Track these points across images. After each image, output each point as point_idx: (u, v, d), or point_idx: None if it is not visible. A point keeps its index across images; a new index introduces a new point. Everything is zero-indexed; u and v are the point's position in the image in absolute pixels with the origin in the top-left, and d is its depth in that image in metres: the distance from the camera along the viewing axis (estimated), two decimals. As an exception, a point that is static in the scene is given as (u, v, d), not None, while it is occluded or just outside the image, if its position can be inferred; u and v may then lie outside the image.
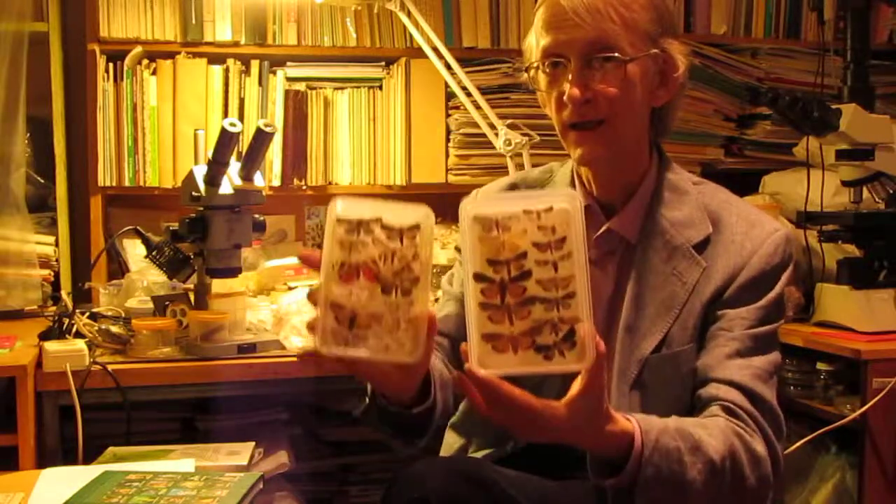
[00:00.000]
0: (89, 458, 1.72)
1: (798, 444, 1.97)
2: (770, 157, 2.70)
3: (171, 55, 2.40)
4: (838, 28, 2.29)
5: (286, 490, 1.95)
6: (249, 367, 1.85)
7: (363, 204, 1.03)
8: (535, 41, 1.34)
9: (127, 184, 2.38)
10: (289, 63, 2.48)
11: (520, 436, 1.06)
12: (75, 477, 1.47)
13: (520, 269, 1.01)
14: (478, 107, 2.29)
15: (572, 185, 1.40)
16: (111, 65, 2.36)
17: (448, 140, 2.55)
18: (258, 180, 1.90)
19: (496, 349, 1.00)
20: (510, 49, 2.55)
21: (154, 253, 1.95)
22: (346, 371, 1.07)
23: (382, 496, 1.25)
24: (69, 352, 1.77)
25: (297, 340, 1.89)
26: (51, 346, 1.79)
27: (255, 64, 2.45)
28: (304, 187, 2.50)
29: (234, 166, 1.87)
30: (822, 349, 2.02)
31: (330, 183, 2.52)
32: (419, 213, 1.03)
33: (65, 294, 2.15)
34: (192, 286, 1.97)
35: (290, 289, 2.15)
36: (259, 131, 1.82)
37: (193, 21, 2.40)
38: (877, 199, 2.14)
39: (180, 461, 1.64)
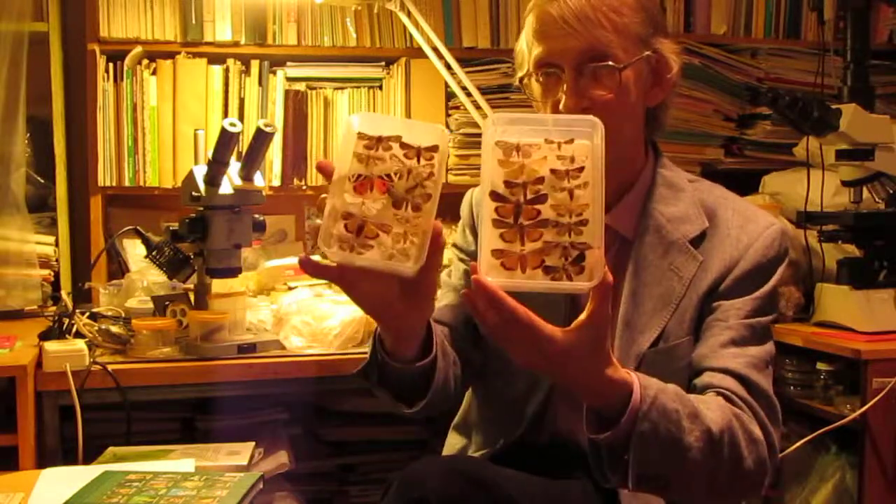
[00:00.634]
0: (89, 458, 1.71)
1: (798, 444, 1.97)
2: (770, 157, 2.70)
3: (171, 55, 2.40)
4: (838, 28, 2.29)
5: (286, 490, 1.95)
6: (249, 367, 1.84)
7: (384, 120, 1.06)
8: (527, 49, 1.34)
9: (127, 184, 2.38)
10: (289, 63, 2.48)
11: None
12: (75, 477, 1.47)
13: (536, 192, 1.02)
14: (478, 107, 2.29)
15: None
16: (111, 65, 2.36)
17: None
18: (258, 180, 1.89)
19: (505, 266, 1.00)
20: (510, 49, 2.50)
21: (154, 253, 1.94)
22: (345, 287, 1.07)
23: (382, 496, 1.25)
24: (69, 352, 1.77)
25: (298, 340, 1.89)
26: (51, 346, 1.79)
27: (255, 64, 2.45)
28: (304, 187, 2.50)
29: (234, 166, 1.87)
30: (822, 349, 2.01)
31: (330, 183, 2.52)
32: (437, 134, 1.06)
33: (65, 294, 2.15)
34: (192, 286, 1.97)
35: (290, 289, 2.14)
36: (259, 131, 1.82)
37: (193, 21, 2.40)
38: (877, 199, 2.14)
39: (180, 461, 1.63)
